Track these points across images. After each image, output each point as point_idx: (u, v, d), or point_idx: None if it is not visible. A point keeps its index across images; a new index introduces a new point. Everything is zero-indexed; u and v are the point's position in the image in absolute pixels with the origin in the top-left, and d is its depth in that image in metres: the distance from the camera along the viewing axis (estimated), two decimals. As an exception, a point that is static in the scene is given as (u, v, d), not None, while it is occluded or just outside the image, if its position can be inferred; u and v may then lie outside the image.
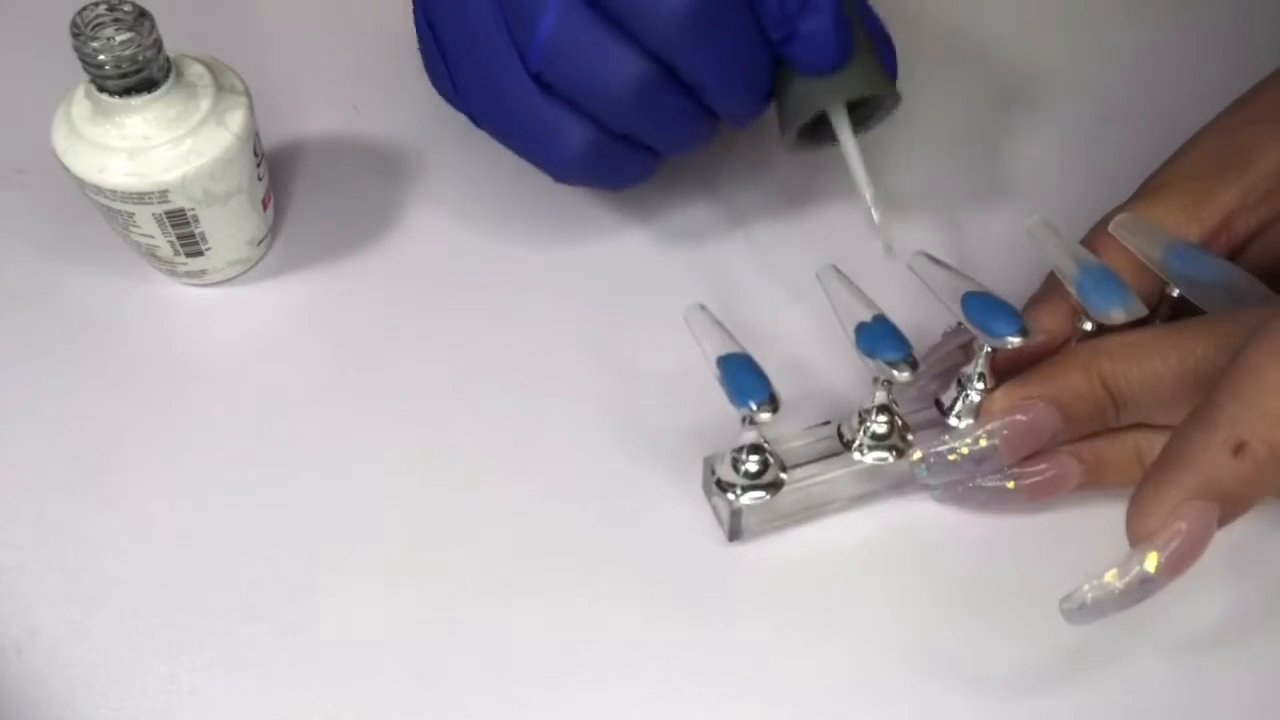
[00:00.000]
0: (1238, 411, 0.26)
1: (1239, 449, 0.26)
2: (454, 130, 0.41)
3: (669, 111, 0.33)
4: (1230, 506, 0.27)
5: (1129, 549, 0.27)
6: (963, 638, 0.32)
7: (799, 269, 0.38)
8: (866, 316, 0.31)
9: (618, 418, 0.35)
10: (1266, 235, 0.33)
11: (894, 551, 0.33)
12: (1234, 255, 0.34)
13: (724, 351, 0.31)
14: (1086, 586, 0.27)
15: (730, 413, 0.30)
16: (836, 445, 0.33)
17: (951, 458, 0.32)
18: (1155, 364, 0.30)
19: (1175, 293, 0.33)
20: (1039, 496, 0.32)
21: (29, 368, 0.36)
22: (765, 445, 0.31)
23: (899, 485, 0.34)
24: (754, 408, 0.30)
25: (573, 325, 0.37)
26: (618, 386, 0.36)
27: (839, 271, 0.33)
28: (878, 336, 0.31)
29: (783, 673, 0.31)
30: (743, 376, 0.30)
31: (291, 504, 0.34)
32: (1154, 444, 0.31)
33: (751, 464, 0.31)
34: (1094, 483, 0.32)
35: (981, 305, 0.31)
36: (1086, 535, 0.33)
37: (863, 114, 0.36)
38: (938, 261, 0.33)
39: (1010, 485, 0.32)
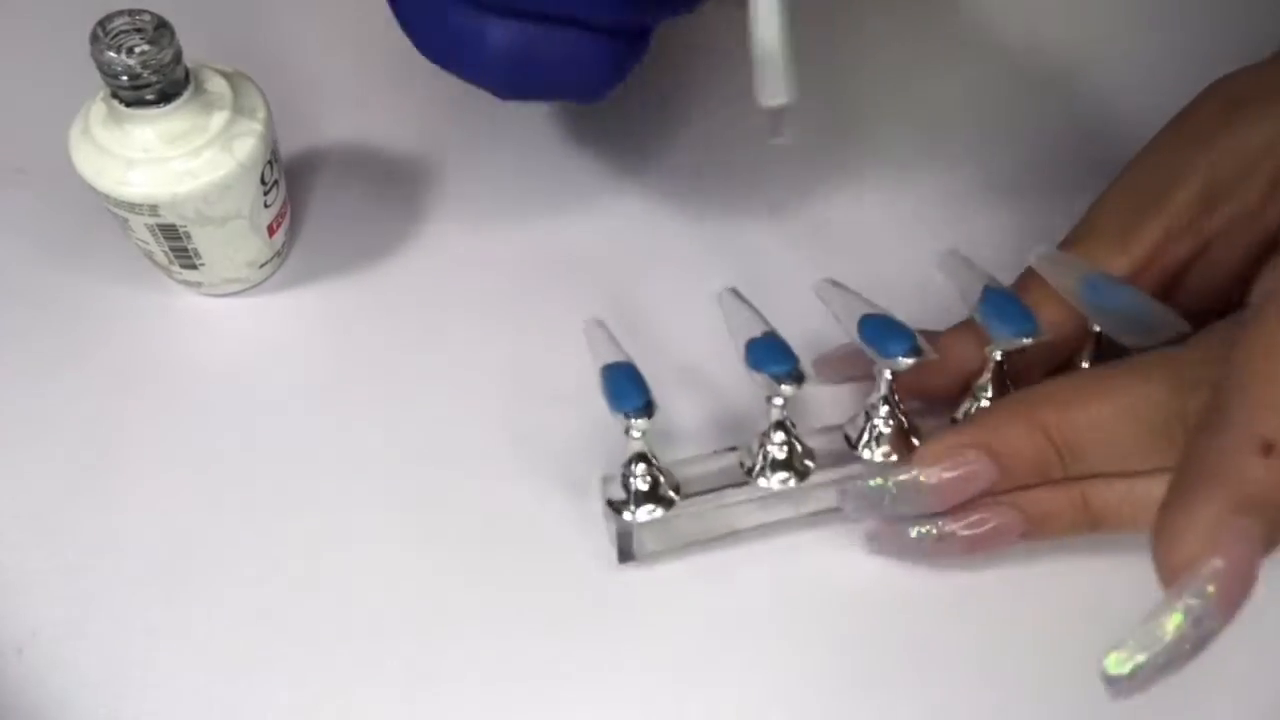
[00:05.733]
0: (1252, 412, 0.24)
1: (1268, 450, 0.23)
2: (475, 143, 0.41)
3: None
4: (1273, 519, 0.23)
5: (1165, 590, 0.23)
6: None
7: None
8: (757, 333, 0.31)
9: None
10: (1202, 263, 0.33)
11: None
12: (1170, 286, 0.33)
13: (609, 360, 0.30)
14: (1132, 643, 0.23)
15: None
16: (740, 473, 0.32)
17: (873, 493, 0.30)
18: (1103, 409, 0.28)
19: (1096, 328, 0.32)
20: (977, 549, 0.31)
21: (29, 368, 0.36)
22: (652, 459, 0.31)
23: (809, 515, 0.33)
24: (627, 415, 0.29)
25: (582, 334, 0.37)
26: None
27: (738, 294, 0.33)
28: (764, 351, 0.30)
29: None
30: (620, 384, 0.30)
31: (292, 505, 0.34)
32: (1099, 489, 0.30)
33: (640, 482, 0.31)
34: (1036, 533, 0.31)
35: (878, 327, 0.30)
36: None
37: None
38: (842, 287, 0.33)
39: (945, 536, 0.31)
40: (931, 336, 0.34)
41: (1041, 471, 0.30)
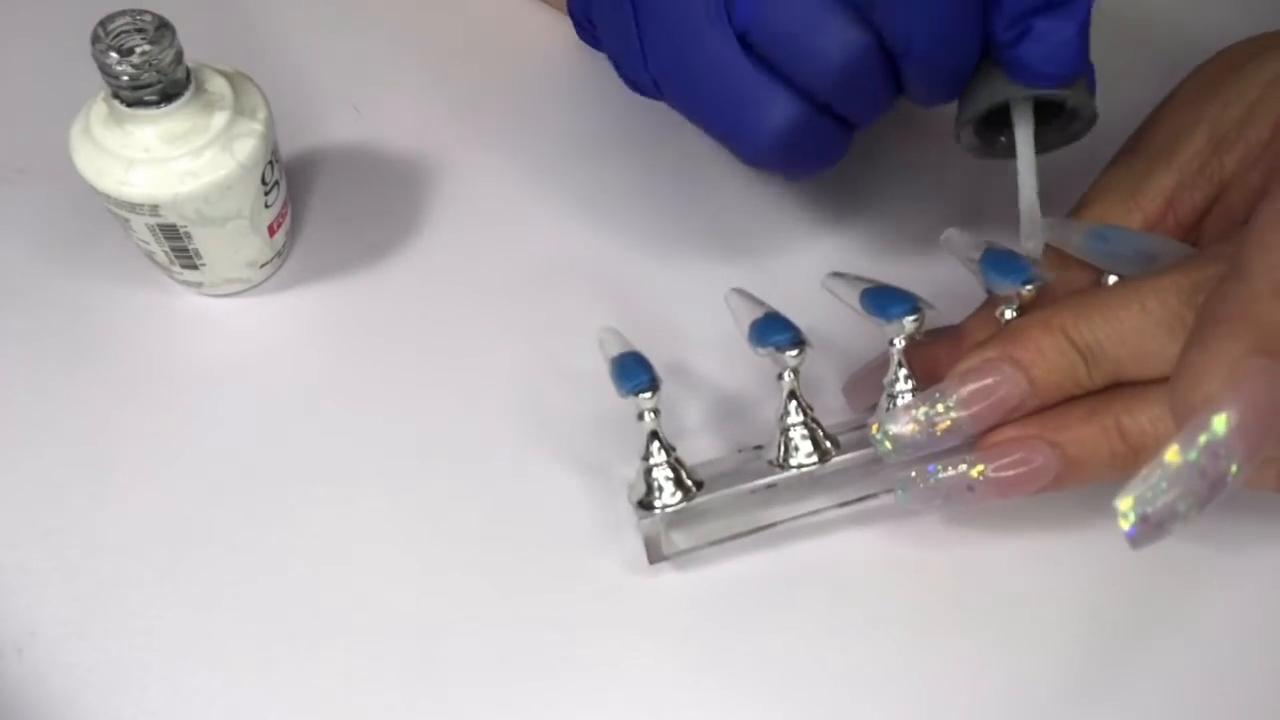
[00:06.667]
0: (1273, 258, 0.24)
1: None
2: (475, 142, 0.41)
3: (871, 80, 0.31)
4: None
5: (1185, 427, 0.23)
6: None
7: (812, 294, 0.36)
8: (759, 315, 0.31)
9: (625, 434, 0.35)
10: (1217, 210, 0.33)
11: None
12: (1188, 237, 0.33)
13: (617, 352, 0.31)
14: (1141, 478, 0.23)
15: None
16: (767, 468, 0.32)
17: (909, 427, 0.30)
18: (1118, 309, 0.29)
19: (1111, 279, 0.32)
20: (1009, 492, 0.30)
21: (29, 367, 0.36)
22: (669, 448, 0.31)
23: (839, 506, 0.33)
24: (635, 393, 0.30)
25: (587, 339, 0.36)
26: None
27: (744, 292, 0.33)
28: (766, 326, 0.31)
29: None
30: (626, 368, 0.31)
31: (293, 505, 0.34)
32: (1137, 418, 0.29)
33: (660, 474, 0.31)
34: (1071, 475, 0.29)
35: (878, 296, 0.31)
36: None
37: (1049, 132, 0.34)
38: (846, 275, 0.33)
39: (976, 473, 0.30)
40: (951, 330, 0.34)
41: (1069, 376, 0.29)
